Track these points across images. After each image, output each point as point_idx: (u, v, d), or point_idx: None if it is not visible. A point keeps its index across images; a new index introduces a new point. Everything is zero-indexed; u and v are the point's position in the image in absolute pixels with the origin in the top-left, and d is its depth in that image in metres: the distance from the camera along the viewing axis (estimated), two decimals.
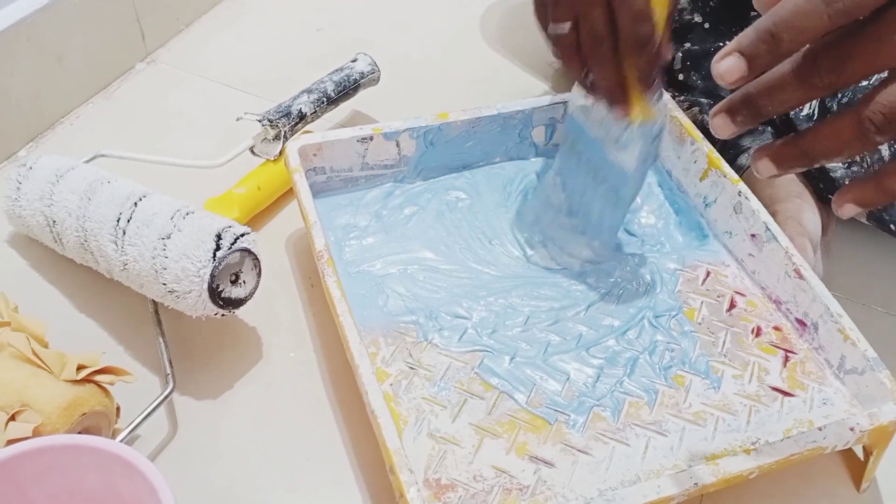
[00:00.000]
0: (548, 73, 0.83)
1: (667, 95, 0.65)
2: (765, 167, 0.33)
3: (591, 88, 0.51)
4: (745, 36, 0.31)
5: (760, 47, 0.30)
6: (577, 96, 0.54)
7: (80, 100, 0.75)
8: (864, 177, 0.33)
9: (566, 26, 0.48)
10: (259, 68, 0.81)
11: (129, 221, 0.51)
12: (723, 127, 0.33)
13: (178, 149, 0.70)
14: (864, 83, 0.50)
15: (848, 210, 0.33)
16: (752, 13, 0.75)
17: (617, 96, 0.50)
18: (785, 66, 0.31)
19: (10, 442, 0.42)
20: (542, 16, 0.51)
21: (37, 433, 0.42)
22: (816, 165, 0.33)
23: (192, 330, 0.55)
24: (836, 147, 0.31)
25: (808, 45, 0.31)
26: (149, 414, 0.48)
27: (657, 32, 0.47)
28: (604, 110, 0.52)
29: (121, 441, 0.46)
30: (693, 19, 0.69)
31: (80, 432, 0.46)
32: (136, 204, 0.52)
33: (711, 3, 0.70)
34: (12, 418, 0.43)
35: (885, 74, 0.31)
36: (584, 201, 0.58)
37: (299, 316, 0.59)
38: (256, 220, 0.64)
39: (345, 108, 0.74)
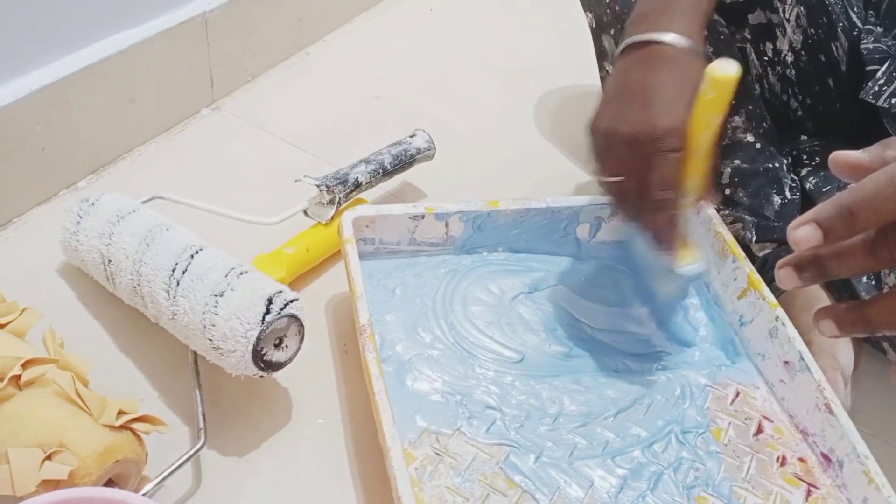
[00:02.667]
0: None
1: (711, 209, 0.67)
2: (827, 328, 0.35)
3: (644, 229, 0.56)
4: (824, 208, 0.32)
5: (838, 222, 0.32)
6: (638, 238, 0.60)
7: (145, 139, 0.77)
8: None
9: (617, 179, 0.53)
10: (316, 127, 0.84)
11: (184, 273, 0.53)
12: (787, 279, 0.35)
13: (231, 197, 0.72)
14: None
15: None
16: (803, 137, 0.77)
17: (665, 241, 0.55)
18: (857, 236, 0.32)
19: (44, 482, 0.42)
20: (594, 165, 0.56)
21: (71, 476, 0.43)
22: (878, 334, 0.34)
23: (225, 384, 0.56)
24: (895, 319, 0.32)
25: None
26: (178, 467, 0.48)
27: (677, 199, 0.52)
28: (654, 252, 0.57)
29: (147, 492, 0.47)
30: (745, 139, 0.71)
31: (110, 478, 0.46)
32: (192, 256, 0.54)
33: (765, 125, 0.72)
34: (49, 458, 0.44)
35: None
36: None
37: (331, 381, 0.59)
38: (299, 279, 0.66)
39: (396, 178, 0.76)
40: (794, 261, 0.34)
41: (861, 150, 0.34)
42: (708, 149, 0.53)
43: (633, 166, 0.52)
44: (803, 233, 0.32)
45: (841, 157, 0.34)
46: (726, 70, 0.49)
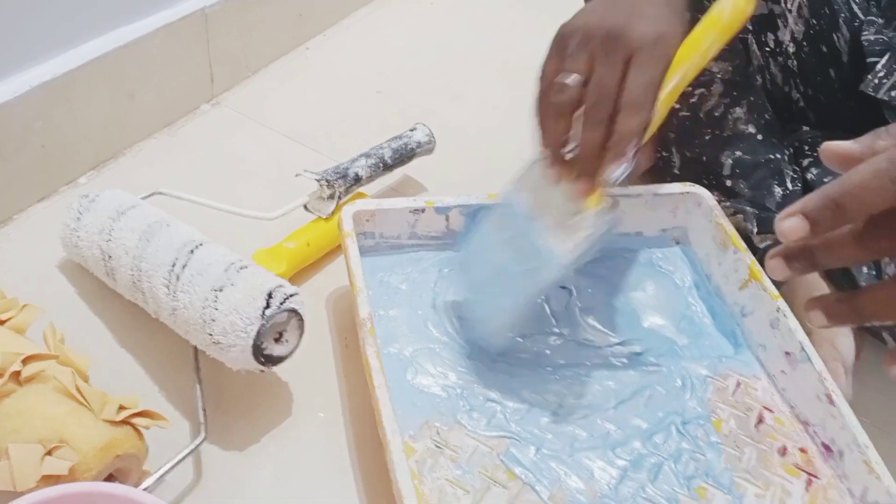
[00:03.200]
0: None
1: (713, 201, 0.66)
2: (817, 318, 0.34)
3: (559, 162, 0.49)
4: (811, 200, 0.32)
5: (825, 213, 0.31)
6: (525, 182, 0.53)
7: (145, 134, 0.78)
8: None
9: (576, 78, 0.47)
10: (316, 122, 0.84)
11: (184, 268, 0.53)
12: (778, 270, 0.35)
13: (232, 192, 0.73)
14: None
15: None
16: (804, 128, 0.77)
17: (589, 166, 0.48)
18: (846, 226, 0.32)
19: (45, 477, 0.43)
20: (549, 67, 0.50)
21: (72, 472, 0.43)
22: (867, 325, 0.34)
23: (226, 379, 0.57)
24: (887, 311, 0.32)
25: None
26: (178, 462, 0.49)
27: (653, 111, 0.46)
28: (553, 198, 0.50)
29: (147, 487, 0.47)
30: (747, 129, 0.71)
31: (111, 473, 0.47)
32: (192, 252, 0.54)
33: (767, 116, 0.72)
34: (49, 453, 0.44)
35: None
36: (498, 281, 0.55)
37: (331, 375, 0.59)
38: (300, 274, 0.66)
39: (396, 171, 0.76)
40: (784, 251, 0.34)
41: (852, 141, 0.34)
42: (686, 80, 0.49)
43: (610, 65, 0.46)
44: (790, 224, 0.32)
45: (831, 147, 0.34)
46: (746, 1, 0.46)
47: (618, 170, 0.47)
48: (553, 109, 0.48)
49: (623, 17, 0.47)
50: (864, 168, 0.31)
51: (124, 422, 0.47)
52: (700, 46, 0.48)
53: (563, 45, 0.49)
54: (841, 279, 0.64)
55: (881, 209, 0.31)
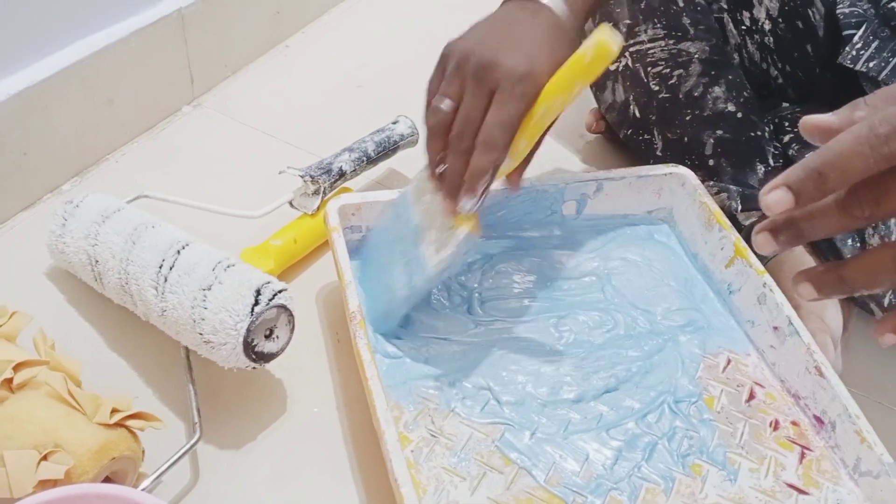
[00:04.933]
0: (579, 144, 0.86)
1: (696, 181, 0.67)
2: (806, 290, 0.35)
3: (438, 176, 0.52)
4: (794, 172, 0.32)
5: (807, 184, 0.32)
6: (422, 181, 0.55)
7: (127, 139, 0.77)
8: None
9: (448, 104, 0.50)
10: (299, 119, 0.84)
11: (171, 269, 0.53)
12: (765, 244, 0.35)
13: (217, 192, 0.72)
14: None
15: (888, 339, 0.34)
16: (784, 104, 0.78)
17: (456, 190, 0.50)
18: (829, 196, 0.33)
19: (41, 482, 0.43)
20: (433, 86, 0.52)
21: (68, 476, 0.43)
22: (856, 294, 0.34)
23: (219, 378, 0.56)
24: (874, 279, 0.33)
25: None
26: (174, 462, 0.49)
27: (507, 150, 0.49)
28: (436, 206, 0.52)
29: (145, 488, 0.47)
30: (727, 108, 0.71)
31: (107, 476, 0.47)
32: (178, 252, 0.54)
33: (745, 94, 0.72)
34: (44, 458, 0.44)
35: None
36: (386, 274, 0.57)
37: (324, 370, 0.60)
38: (289, 271, 0.66)
39: (381, 165, 0.76)
40: (770, 225, 0.35)
41: (830, 113, 0.34)
42: (550, 119, 0.51)
43: (476, 96, 0.48)
44: (775, 197, 0.33)
45: (811, 120, 0.34)
46: (612, 39, 0.47)
47: (468, 202, 0.50)
48: (430, 129, 0.51)
49: (497, 47, 0.49)
50: (844, 136, 0.31)
51: (118, 424, 0.47)
52: (564, 85, 0.49)
53: (443, 66, 0.52)
54: (826, 252, 0.65)
55: (862, 176, 0.31)
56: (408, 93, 0.89)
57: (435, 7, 1.08)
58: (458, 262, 0.54)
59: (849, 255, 0.62)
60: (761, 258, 0.62)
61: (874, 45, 0.67)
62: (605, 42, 0.47)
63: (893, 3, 0.66)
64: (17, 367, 0.47)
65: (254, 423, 0.55)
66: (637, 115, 0.76)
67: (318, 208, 0.66)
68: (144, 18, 0.75)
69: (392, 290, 0.56)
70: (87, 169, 0.74)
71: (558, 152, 0.84)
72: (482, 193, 0.50)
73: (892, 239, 0.63)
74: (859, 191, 0.32)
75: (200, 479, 0.52)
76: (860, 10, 0.69)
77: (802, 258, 0.65)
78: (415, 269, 0.54)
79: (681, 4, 0.74)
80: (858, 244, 0.63)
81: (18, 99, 0.65)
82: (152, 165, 0.76)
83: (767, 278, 0.59)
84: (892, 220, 0.62)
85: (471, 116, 0.49)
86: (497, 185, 0.58)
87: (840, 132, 0.32)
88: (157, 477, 0.48)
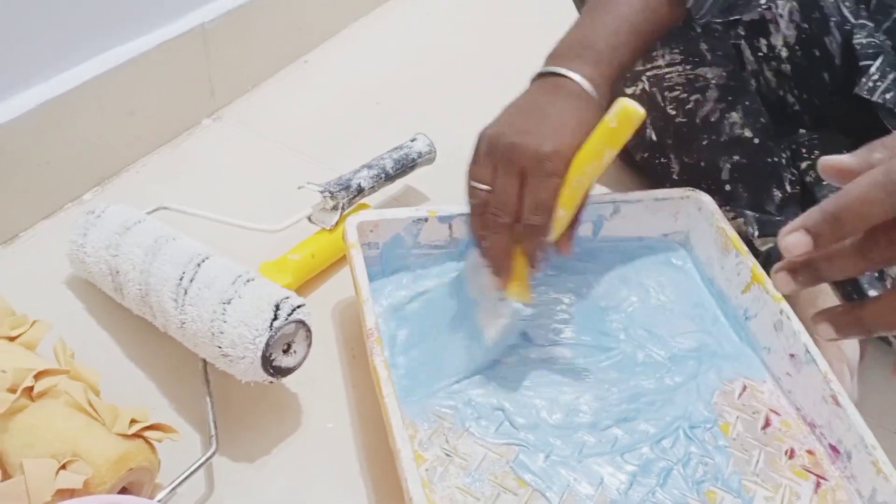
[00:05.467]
0: None
1: (713, 205, 0.67)
2: (825, 330, 0.35)
3: (484, 251, 0.54)
4: (812, 215, 0.33)
5: (825, 227, 0.32)
6: (474, 254, 0.57)
7: (147, 150, 0.78)
8: None
9: (483, 186, 0.52)
10: (317, 134, 0.84)
11: (191, 282, 0.53)
12: (784, 284, 0.35)
13: (235, 205, 0.73)
14: None
15: None
16: (801, 130, 0.78)
17: (500, 266, 0.53)
18: (847, 239, 0.33)
19: (59, 491, 0.43)
20: (470, 169, 0.54)
21: (86, 485, 0.44)
22: (873, 336, 0.34)
23: (235, 391, 0.57)
24: (891, 322, 0.33)
25: None
26: (190, 474, 0.49)
27: (551, 227, 0.52)
28: (488, 276, 0.55)
29: (161, 499, 0.47)
30: (743, 134, 0.72)
31: (124, 486, 0.47)
32: (199, 265, 0.54)
33: (762, 120, 0.73)
34: (63, 467, 0.44)
35: None
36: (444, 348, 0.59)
37: (339, 385, 0.60)
38: (305, 285, 0.66)
39: (398, 182, 0.76)
40: (789, 265, 0.35)
41: (848, 154, 0.34)
42: (586, 185, 0.52)
43: (507, 178, 0.51)
44: (793, 240, 0.33)
45: (829, 161, 0.35)
46: (637, 108, 0.49)
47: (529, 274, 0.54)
48: (471, 209, 0.54)
49: (523, 128, 0.52)
50: (862, 181, 0.31)
51: (136, 435, 0.47)
52: (593, 154, 0.51)
53: (478, 150, 0.54)
54: (845, 282, 0.65)
55: (879, 221, 0.31)
56: (426, 110, 0.90)
57: (454, 25, 1.09)
58: (513, 332, 0.57)
59: (867, 286, 0.62)
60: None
61: (891, 77, 0.67)
62: (628, 106, 0.49)
63: None
64: (38, 376, 0.47)
65: (268, 437, 0.55)
66: (654, 138, 0.76)
67: (337, 224, 0.66)
68: (168, 32, 0.76)
69: (451, 366, 0.57)
70: (108, 179, 0.75)
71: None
72: (534, 268, 0.54)
73: None
74: (877, 235, 0.32)
75: (215, 491, 0.52)
76: (877, 41, 0.69)
77: (822, 287, 0.65)
78: (474, 343, 0.57)
79: (698, 30, 0.74)
80: (877, 275, 0.63)
81: (42, 109, 0.66)
82: (172, 177, 0.76)
83: (784, 305, 0.59)
84: None
85: (503, 199, 0.51)
86: None
87: (857, 174, 0.33)
88: (174, 489, 0.48)
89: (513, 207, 0.51)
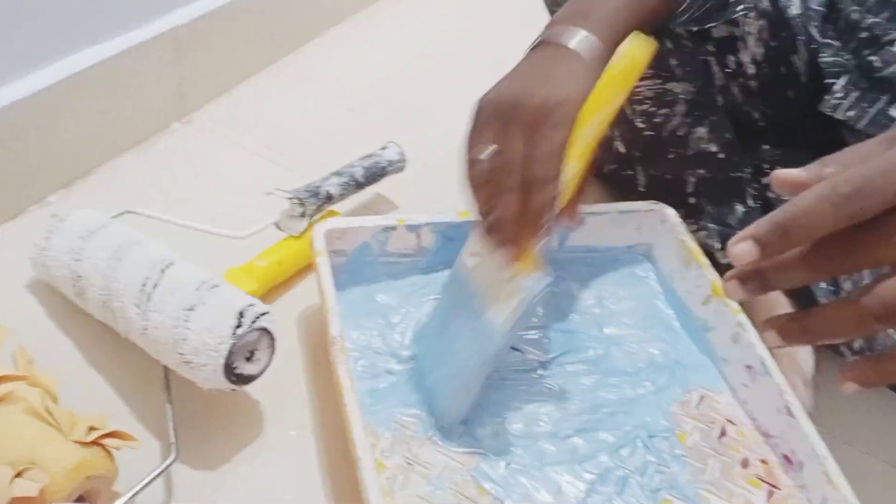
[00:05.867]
0: None
1: (677, 218, 0.68)
2: (771, 338, 0.36)
3: (487, 229, 0.50)
4: (760, 225, 0.34)
5: (773, 238, 0.33)
6: (471, 247, 0.54)
7: (116, 153, 0.78)
8: (867, 358, 0.35)
9: (486, 152, 0.49)
10: (288, 140, 0.84)
11: (155, 287, 0.53)
12: (733, 291, 0.36)
13: (203, 210, 0.73)
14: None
15: (849, 388, 0.35)
16: (765, 146, 0.79)
17: (510, 234, 0.49)
18: (795, 249, 0.34)
19: (15, 499, 0.42)
20: (468, 142, 0.51)
21: (42, 494, 0.43)
22: (819, 343, 0.35)
23: (196, 398, 0.56)
24: (837, 330, 0.34)
25: None
26: (149, 482, 0.49)
27: (561, 180, 0.48)
28: (492, 263, 0.51)
29: None
30: (709, 149, 0.73)
31: (81, 495, 0.46)
32: (163, 271, 0.54)
33: (728, 135, 0.74)
34: (19, 475, 0.44)
35: (885, 269, 0.33)
36: (452, 355, 0.55)
37: (302, 393, 0.60)
38: (272, 292, 0.66)
39: (368, 190, 0.76)
40: (738, 274, 0.36)
41: (800, 168, 0.35)
42: (593, 140, 0.50)
43: (512, 137, 0.48)
44: (741, 249, 0.34)
45: (781, 175, 0.36)
46: (639, 46, 0.47)
47: (539, 241, 0.49)
48: (471, 183, 0.50)
49: (527, 84, 0.49)
50: (808, 194, 0.32)
51: (94, 443, 0.47)
52: (600, 102, 0.49)
53: (478, 118, 0.51)
54: (800, 294, 0.66)
55: (825, 233, 0.32)
56: (398, 118, 0.91)
57: (430, 33, 1.09)
58: (531, 309, 0.51)
59: (822, 298, 0.64)
60: None
61: (854, 96, 0.69)
62: (632, 52, 0.47)
63: (872, 57, 0.68)
64: None
65: (229, 445, 0.55)
66: (621, 150, 0.77)
67: (305, 231, 0.67)
68: (139, 35, 0.76)
69: (462, 366, 0.53)
70: (74, 181, 0.74)
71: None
72: (547, 231, 0.49)
73: (864, 283, 0.64)
74: (823, 246, 0.33)
75: (174, 499, 0.52)
76: (842, 60, 0.71)
77: (777, 299, 0.66)
78: (482, 335, 0.52)
79: (669, 45, 0.76)
80: (832, 288, 0.65)
81: (9, 111, 0.65)
82: (139, 180, 0.76)
83: (742, 318, 0.61)
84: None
85: (511, 157, 0.48)
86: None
87: (808, 187, 0.33)
88: (132, 497, 0.48)
89: (519, 166, 0.47)
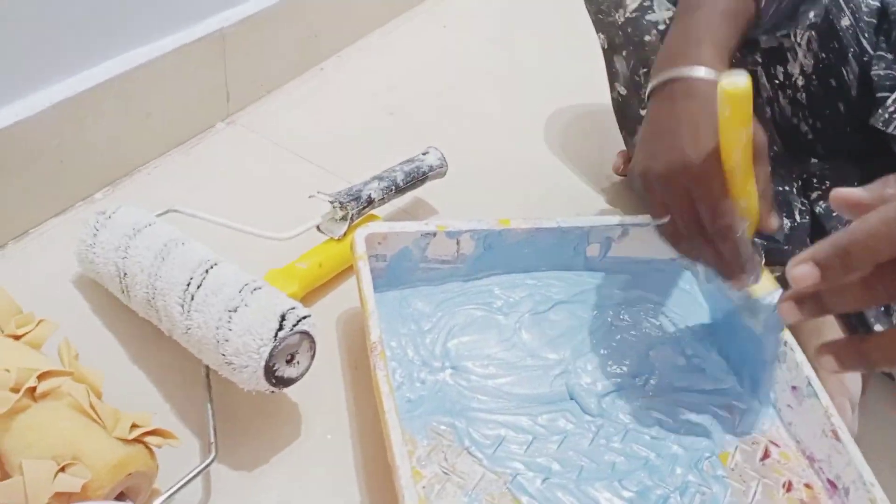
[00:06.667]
0: (604, 184, 0.86)
1: None
2: (828, 363, 0.35)
3: (706, 263, 0.56)
4: (821, 248, 0.33)
5: (834, 261, 0.32)
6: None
7: (160, 152, 0.78)
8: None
9: (665, 219, 0.55)
10: (329, 143, 0.85)
11: (198, 288, 0.54)
12: (789, 313, 0.35)
13: (245, 211, 0.73)
14: None
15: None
16: (813, 160, 0.78)
17: (726, 270, 0.54)
18: (854, 273, 0.33)
19: (57, 494, 0.43)
20: (650, 214, 0.57)
21: (84, 489, 0.44)
22: (877, 371, 0.34)
23: (236, 399, 0.57)
24: (893, 358, 0.33)
25: None
26: (189, 481, 0.49)
27: (735, 222, 0.52)
28: (727, 286, 0.58)
29: None
30: None
31: (122, 491, 0.47)
32: (207, 271, 0.55)
33: (775, 148, 0.73)
34: (62, 470, 0.44)
35: None
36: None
37: (340, 397, 0.60)
38: (310, 294, 0.66)
39: (408, 194, 0.76)
40: (795, 296, 0.35)
41: (861, 188, 0.35)
42: (746, 168, 0.52)
43: (676, 203, 0.53)
44: (801, 271, 0.33)
45: (841, 194, 0.35)
46: (736, 83, 0.48)
47: (748, 279, 0.55)
48: (670, 243, 0.57)
49: (664, 153, 0.53)
50: (873, 217, 0.31)
51: (137, 440, 0.47)
52: (732, 144, 0.50)
53: (644, 191, 0.56)
54: (850, 315, 0.64)
55: (889, 258, 0.31)
56: (440, 123, 0.91)
57: (471, 38, 1.09)
58: (774, 318, 0.58)
59: (873, 319, 0.62)
60: None
61: None
62: (728, 91, 0.48)
63: None
64: (42, 377, 0.47)
65: (267, 446, 0.56)
66: None
67: (345, 234, 0.67)
68: (186, 35, 0.77)
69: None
70: (120, 179, 0.75)
71: (585, 193, 0.84)
72: (753, 265, 0.54)
73: None
74: (885, 271, 0.32)
75: (212, 499, 0.52)
76: (894, 73, 0.69)
77: (825, 319, 0.64)
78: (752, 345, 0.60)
79: (762, 38, 0.74)
80: (882, 309, 0.63)
81: (58, 109, 0.66)
82: (183, 180, 0.77)
83: (788, 336, 0.59)
84: None
85: (685, 224, 0.54)
86: (530, 225, 0.64)
87: (869, 207, 0.33)
88: (171, 495, 0.48)
89: (697, 226, 0.53)
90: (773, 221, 0.54)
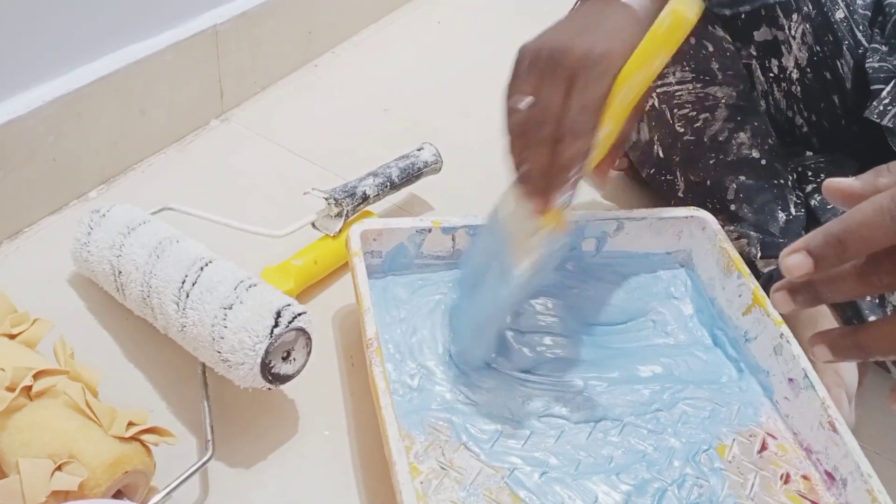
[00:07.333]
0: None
1: (717, 225, 0.67)
2: (821, 353, 0.35)
3: (517, 180, 0.50)
4: (815, 237, 0.33)
5: (827, 250, 0.32)
6: (506, 197, 0.53)
7: (155, 149, 0.78)
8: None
9: (524, 101, 0.48)
10: (324, 139, 0.84)
11: (193, 285, 0.53)
12: (782, 303, 0.35)
13: (240, 208, 0.73)
14: None
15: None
16: (808, 153, 0.78)
17: (539, 188, 0.49)
18: (848, 262, 0.33)
19: (54, 493, 0.43)
20: (509, 90, 0.50)
21: (81, 488, 0.44)
22: (871, 360, 0.34)
23: (233, 396, 0.57)
24: (891, 347, 0.33)
25: None
26: (186, 479, 0.49)
27: (594, 135, 0.47)
28: (521, 215, 0.51)
29: (155, 503, 0.47)
30: (751, 154, 0.72)
31: (119, 489, 0.47)
32: (202, 269, 0.54)
33: (770, 141, 0.73)
34: (59, 468, 0.44)
35: None
36: (477, 294, 0.57)
37: (337, 393, 0.60)
38: (306, 291, 0.66)
39: (403, 190, 0.76)
40: (788, 285, 0.35)
41: (854, 178, 0.35)
42: (634, 97, 0.49)
43: (552, 86, 0.47)
44: (794, 261, 0.33)
45: (834, 184, 0.35)
46: (689, 8, 0.46)
47: (563, 195, 0.48)
48: (510, 131, 0.50)
49: (572, 35, 0.47)
50: (866, 206, 0.31)
51: (133, 438, 0.47)
52: (643, 60, 0.48)
53: (517, 67, 0.50)
54: (845, 306, 0.65)
55: (882, 246, 0.31)
56: (434, 119, 0.91)
57: (464, 35, 1.09)
58: (548, 266, 0.52)
59: (867, 311, 0.62)
60: None
61: None
62: (678, 10, 0.46)
63: None
64: (37, 376, 0.47)
65: (265, 443, 0.55)
66: (661, 155, 0.76)
67: (340, 230, 0.67)
68: (180, 32, 0.76)
69: (480, 310, 0.56)
70: (115, 177, 0.75)
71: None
72: (573, 186, 0.48)
73: None
74: (879, 260, 0.32)
75: (210, 496, 0.52)
76: (889, 66, 0.69)
77: (820, 310, 0.65)
78: (501, 283, 0.53)
79: (710, 49, 0.74)
80: (877, 301, 0.63)
81: (52, 106, 0.66)
82: (178, 177, 0.76)
83: (785, 329, 0.59)
84: None
85: (548, 107, 0.47)
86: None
87: (862, 197, 0.33)
88: (168, 493, 0.48)
89: (556, 115, 0.46)
90: (607, 173, 0.50)
